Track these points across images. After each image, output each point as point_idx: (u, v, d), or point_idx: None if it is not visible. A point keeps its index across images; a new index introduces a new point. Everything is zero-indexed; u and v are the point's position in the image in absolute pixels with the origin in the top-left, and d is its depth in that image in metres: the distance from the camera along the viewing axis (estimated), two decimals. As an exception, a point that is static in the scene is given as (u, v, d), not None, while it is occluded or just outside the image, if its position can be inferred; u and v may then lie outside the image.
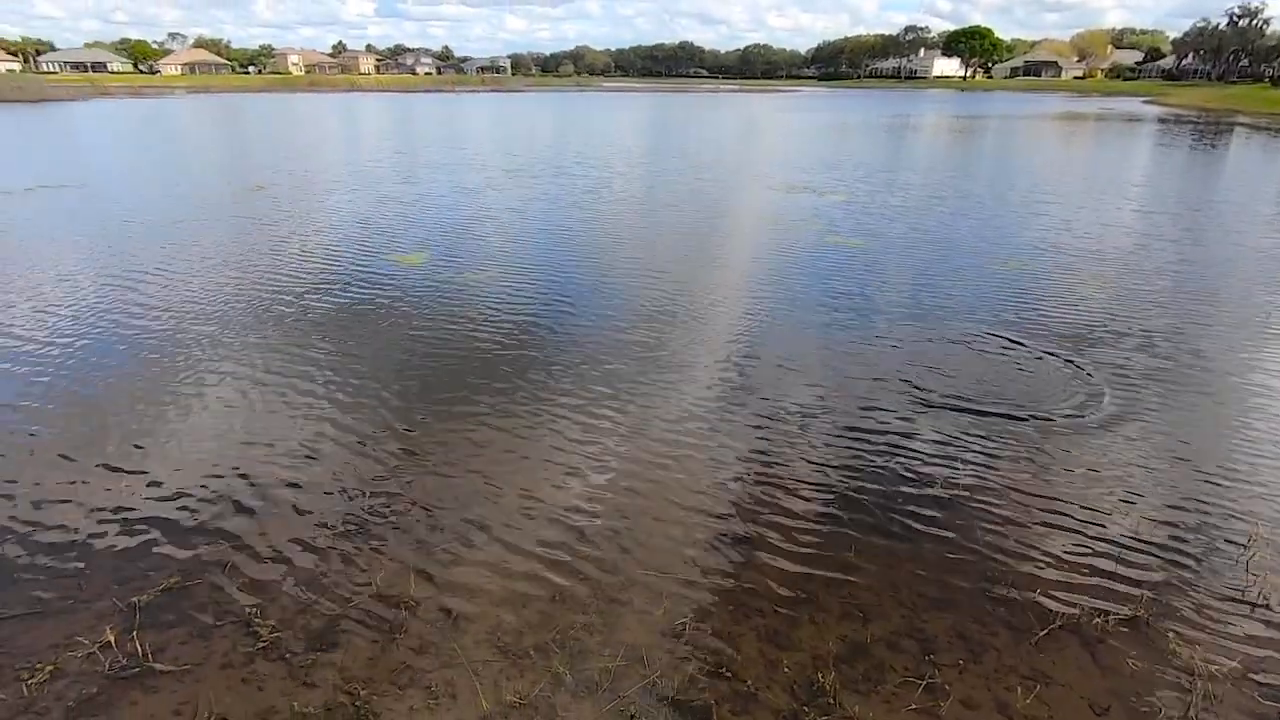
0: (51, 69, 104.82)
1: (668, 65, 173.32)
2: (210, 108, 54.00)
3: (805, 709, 3.11)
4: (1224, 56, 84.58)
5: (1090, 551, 4.16)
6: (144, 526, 4.32)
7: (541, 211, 14.33)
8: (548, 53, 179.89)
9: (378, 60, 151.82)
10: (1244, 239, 12.17)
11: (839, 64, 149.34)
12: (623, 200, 15.71)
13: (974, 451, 5.24)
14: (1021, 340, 7.36)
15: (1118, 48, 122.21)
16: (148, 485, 4.75)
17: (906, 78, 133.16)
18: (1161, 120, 44.08)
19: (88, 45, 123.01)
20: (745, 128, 39.62)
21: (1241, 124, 41.15)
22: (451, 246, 11.43)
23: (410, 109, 55.79)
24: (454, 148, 27.12)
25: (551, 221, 13.42)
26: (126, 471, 4.91)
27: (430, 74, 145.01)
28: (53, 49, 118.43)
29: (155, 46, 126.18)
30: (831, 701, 3.14)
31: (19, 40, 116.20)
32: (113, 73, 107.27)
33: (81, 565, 4.00)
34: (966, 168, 22.27)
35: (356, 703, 3.15)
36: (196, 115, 46.21)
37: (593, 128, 38.80)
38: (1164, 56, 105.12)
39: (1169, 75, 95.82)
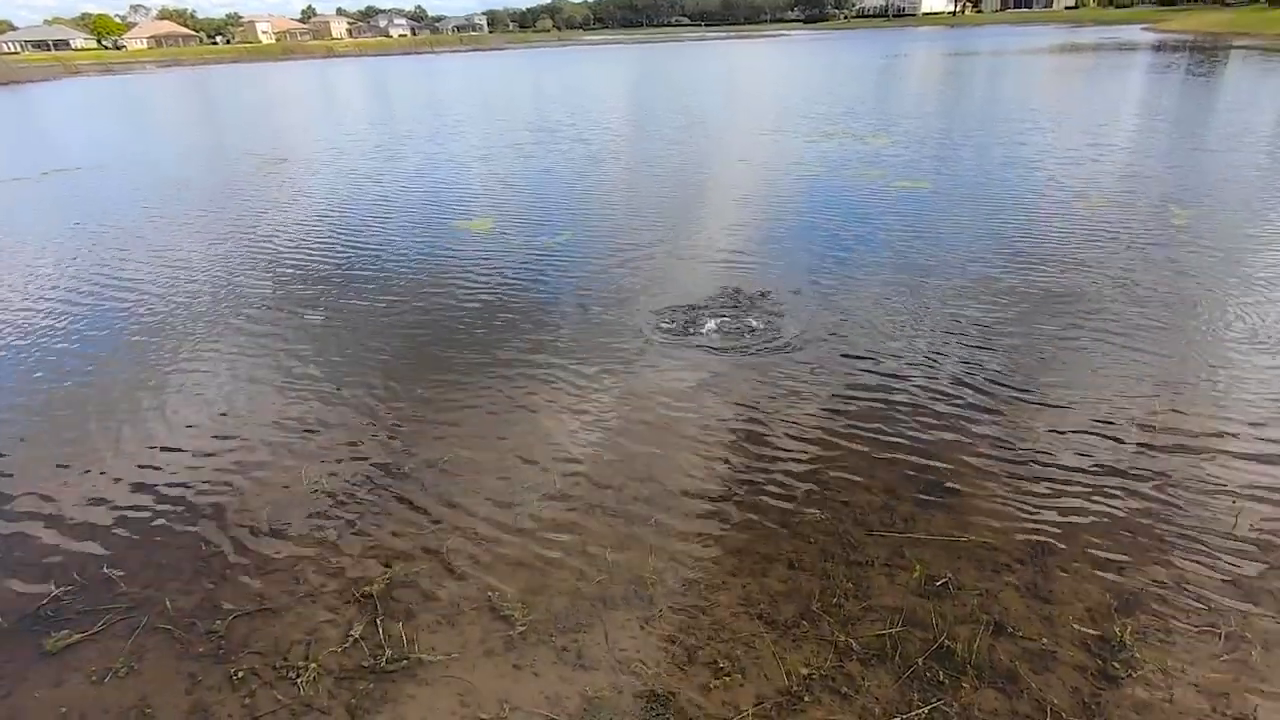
0: (13, 49, 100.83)
1: (647, 15, 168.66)
2: (190, 82, 52.23)
3: (1111, 664, 3.03)
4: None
5: (1313, 487, 4.08)
6: (340, 512, 4.17)
7: (573, 175, 13.92)
8: (524, 7, 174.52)
9: (350, 24, 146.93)
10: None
11: (824, 5, 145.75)
12: (652, 164, 15.27)
13: (1187, 384, 5.13)
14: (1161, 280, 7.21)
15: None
16: (321, 468, 4.58)
17: (895, 16, 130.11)
18: (1163, 48, 43.19)
19: (48, 21, 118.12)
20: (747, 78, 38.65)
21: (1239, 46, 40.38)
22: (513, 212, 11.08)
23: (396, 74, 54.12)
24: (455, 112, 26.34)
25: (584, 185, 13.05)
26: (294, 458, 4.75)
27: (405, 35, 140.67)
28: (12, 28, 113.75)
29: (118, 20, 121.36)
30: (1135, 656, 3.05)
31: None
32: (77, 50, 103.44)
33: (287, 557, 3.86)
34: (996, 106, 21.77)
35: (644, 682, 3.05)
36: (179, 91, 44.71)
37: (588, 87, 37.73)
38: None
39: (1165, 0, 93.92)
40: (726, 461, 4.55)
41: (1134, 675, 2.97)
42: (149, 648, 3.34)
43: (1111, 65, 33.14)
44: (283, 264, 8.86)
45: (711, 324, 6.49)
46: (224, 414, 5.36)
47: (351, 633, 3.35)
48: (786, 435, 4.80)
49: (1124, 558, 3.62)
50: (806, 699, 2.94)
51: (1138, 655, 3.06)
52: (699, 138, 17.45)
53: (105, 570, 3.78)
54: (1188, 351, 5.70)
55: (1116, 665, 3.02)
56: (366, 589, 3.60)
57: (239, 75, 58.71)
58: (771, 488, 4.28)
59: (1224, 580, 3.45)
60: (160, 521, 4.17)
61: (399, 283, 8.04)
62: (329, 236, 10.02)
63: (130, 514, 4.25)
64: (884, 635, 3.22)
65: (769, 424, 4.94)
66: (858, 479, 4.33)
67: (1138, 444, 4.53)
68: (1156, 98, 21.56)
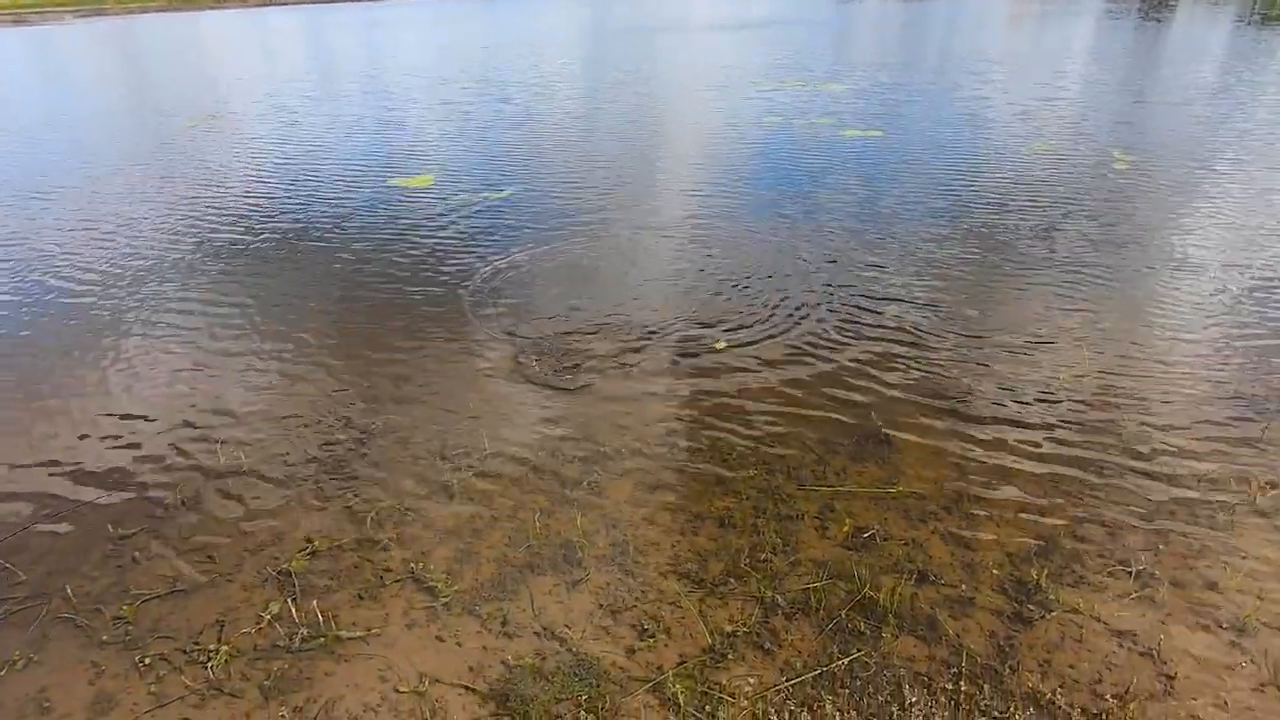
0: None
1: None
2: (116, 35, 48.88)
3: (1026, 606, 3.08)
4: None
5: (1233, 424, 4.19)
6: (260, 487, 4.01)
7: (517, 131, 13.47)
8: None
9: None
10: None
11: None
12: (599, 117, 14.84)
13: (1100, 335, 5.20)
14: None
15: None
16: (239, 443, 4.40)
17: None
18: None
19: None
20: (697, 25, 37.68)
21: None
22: (452, 169, 10.67)
23: (341, 24, 51.45)
24: (404, 66, 25.20)
25: (530, 141, 12.64)
26: (209, 434, 4.54)
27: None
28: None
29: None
30: (1050, 598, 3.12)
31: None
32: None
33: (201, 536, 3.70)
34: (951, 52, 21.63)
35: (570, 648, 3.01)
36: (105, 45, 41.85)
37: (540, 38, 36.41)
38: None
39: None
40: (662, 421, 4.49)
41: (1047, 617, 3.04)
42: (51, 638, 3.18)
43: (1064, 11, 33.12)
44: (202, 230, 8.40)
45: (646, 281, 6.37)
46: (134, 390, 5.10)
47: (266, 612, 3.23)
48: (722, 393, 4.75)
49: (1045, 503, 3.69)
50: (730, 656, 2.94)
51: (1052, 597, 3.12)
52: (647, 89, 16.99)
53: (2, 560, 3.58)
54: (1121, 302, 5.79)
55: (1032, 608, 3.08)
56: (285, 566, 3.48)
57: (168, 25, 55.11)
58: (705, 445, 4.24)
59: (1138, 520, 3.54)
60: (65, 504, 3.96)
61: (330, 244, 7.70)
62: (257, 197, 9.53)
63: (31, 498, 4.02)
64: (809, 589, 3.23)
65: (705, 382, 4.88)
66: (792, 433, 4.31)
67: (1067, 391, 4.59)
68: (1106, 46, 21.65)
